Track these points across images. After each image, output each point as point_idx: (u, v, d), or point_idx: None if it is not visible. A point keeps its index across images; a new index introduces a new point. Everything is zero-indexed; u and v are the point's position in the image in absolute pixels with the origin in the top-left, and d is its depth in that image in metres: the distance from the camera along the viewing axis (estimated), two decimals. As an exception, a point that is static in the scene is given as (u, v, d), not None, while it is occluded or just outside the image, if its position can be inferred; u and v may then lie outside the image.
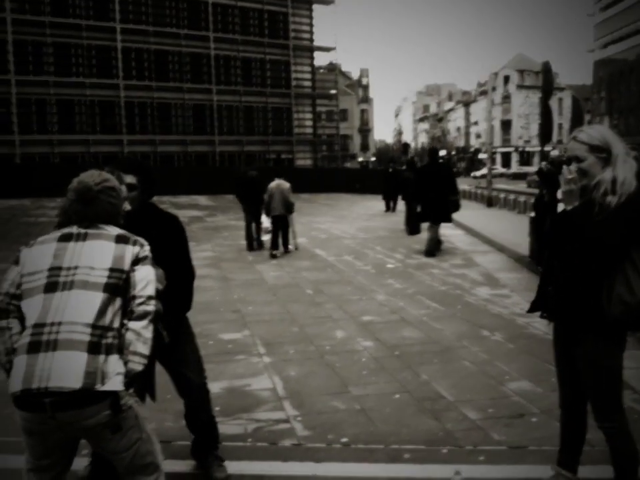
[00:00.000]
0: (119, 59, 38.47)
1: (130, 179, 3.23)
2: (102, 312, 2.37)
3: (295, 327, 6.89)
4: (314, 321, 7.14)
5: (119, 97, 38.55)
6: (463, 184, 29.08)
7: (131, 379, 2.40)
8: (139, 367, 2.41)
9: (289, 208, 12.54)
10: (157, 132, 40.23)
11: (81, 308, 2.36)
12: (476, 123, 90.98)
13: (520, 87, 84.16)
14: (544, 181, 8.67)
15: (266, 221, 13.26)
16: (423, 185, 11.90)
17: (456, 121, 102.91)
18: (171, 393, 3.94)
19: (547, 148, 21.66)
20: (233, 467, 3.58)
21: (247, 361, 5.74)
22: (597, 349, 2.89)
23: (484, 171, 66.98)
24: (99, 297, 2.39)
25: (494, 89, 64.35)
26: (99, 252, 2.47)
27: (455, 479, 2.81)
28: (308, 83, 48.61)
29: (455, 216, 12.73)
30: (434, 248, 11.92)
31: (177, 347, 3.38)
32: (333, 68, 55.67)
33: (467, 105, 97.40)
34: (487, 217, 19.29)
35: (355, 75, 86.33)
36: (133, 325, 2.42)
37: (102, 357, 2.32)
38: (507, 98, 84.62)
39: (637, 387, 4.69)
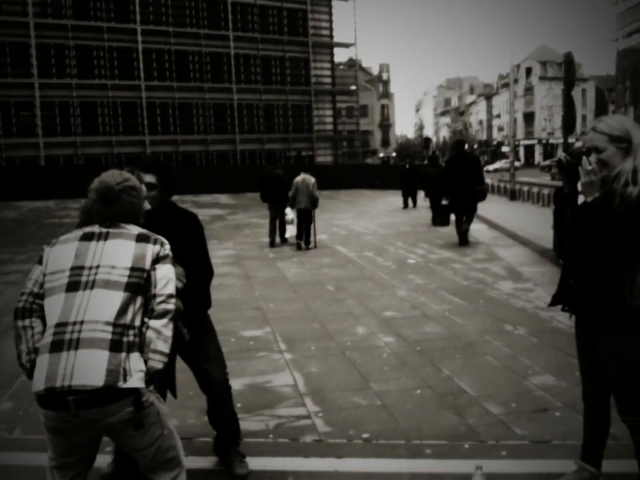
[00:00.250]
0: (140, 60, 38.78)
1: (149, 178, 3.27)
2: (123, 310, 2.39)
3: (316, 324, 6.90)
4: (335, 318, 7.14)
5: (140, 98, 38.88)
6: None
7: (151, 376, 2.41)
8: (159, 365, 2.43)
9: (314, 202, 12.69)
10: (178, 132, 40.50)
11: (102, 307, 2.38)
12: (498, 116, 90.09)
13: (542, 78, 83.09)
14: (563, 172, 8.56)
15: (290, 213, 13.35)
16: (451, 176, 11.97)
17: (478, 114, 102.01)
18: (193, 390, 3.98)
19: (570, 140, 21.35)
20: (254, 463, 3.60)
21: (268, 357, 5.76)
22: (619, 342, 2.85)
23: (496, 165, 66.28)
24: (120, 296, 2.41)
25: (516, 81, 63.65)
26: (120, 251, 2.49)
27: (476, 474, 2.79)
28: (328, 80, 48.51)
29: (478, 210, 12.73)
30: (465, 239, 12.45)
31: (199, 344, 3.43)
32: (352, 64, 55.52)
33: (488, 97, 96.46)
34: (510, 210, 19.12)
35: (375, 71, 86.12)
36: (153, 323, 2.44)
37: (123, 355, 2.33)
38: (529, 90, 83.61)
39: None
